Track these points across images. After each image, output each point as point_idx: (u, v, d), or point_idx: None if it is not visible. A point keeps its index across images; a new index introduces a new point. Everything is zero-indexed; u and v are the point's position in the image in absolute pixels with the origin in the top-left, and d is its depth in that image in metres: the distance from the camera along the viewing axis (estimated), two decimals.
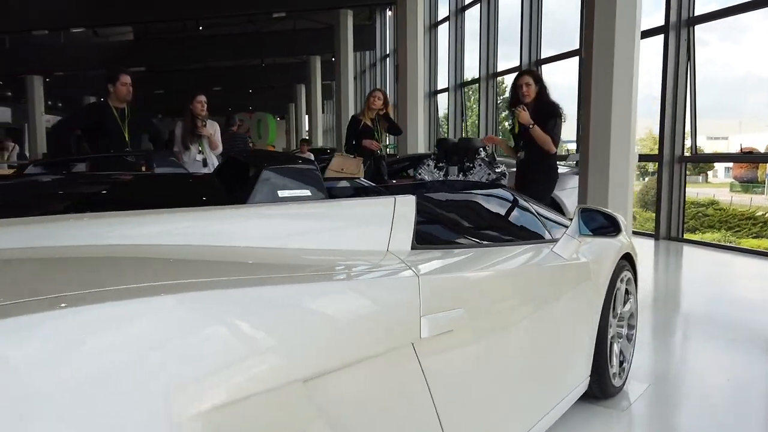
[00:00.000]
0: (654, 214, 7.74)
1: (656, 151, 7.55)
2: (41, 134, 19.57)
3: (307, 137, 14.15)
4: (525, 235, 2.17)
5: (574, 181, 5.98)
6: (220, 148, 5.91)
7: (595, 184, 5.26)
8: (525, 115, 4.20)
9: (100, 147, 4.63)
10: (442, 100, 14.42)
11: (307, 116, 23.42)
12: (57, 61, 18.03)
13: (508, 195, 2.31)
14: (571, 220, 2.34)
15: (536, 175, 4.29)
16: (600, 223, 2.30)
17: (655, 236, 7.50)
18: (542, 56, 10.07)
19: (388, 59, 18.32)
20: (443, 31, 13.96)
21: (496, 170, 5.00)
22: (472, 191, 2.22)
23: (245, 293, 0.96)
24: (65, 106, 25.77)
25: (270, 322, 0.97)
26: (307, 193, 1.42)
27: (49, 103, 23.24)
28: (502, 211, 2.24)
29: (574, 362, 2.20)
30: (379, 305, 1.23)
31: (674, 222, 7.41)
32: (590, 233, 2.25)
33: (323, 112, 23.34)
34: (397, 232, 1.51)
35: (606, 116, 5.06)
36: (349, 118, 6.12)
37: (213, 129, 5.74)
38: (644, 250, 6.78)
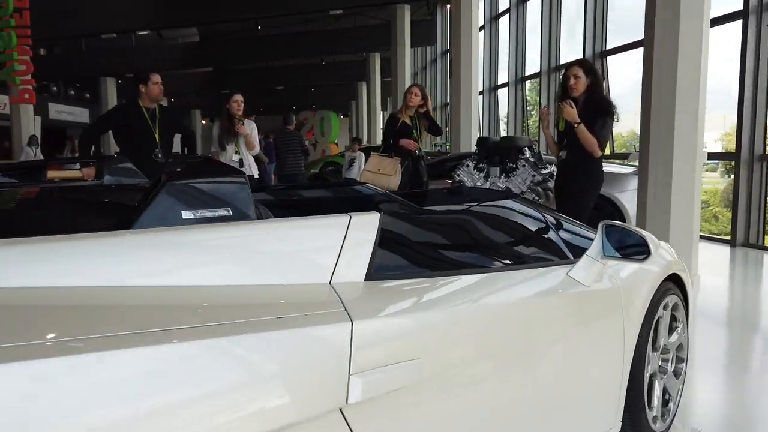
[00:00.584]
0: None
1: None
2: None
3: (357, 136, 13.94)
4: (532, 258, 1.82)
5: (636, 183, 5.45)
6: (257, 149, 5.78)
7: (656, 186, 4.73)
8: (571, 112, 3.79)
9: (131, 148, 4.58)
10: (503, 95, 13.89)
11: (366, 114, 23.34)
12: (128, 63, 18.74)
13: (518, 207, 1.96)
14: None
15: (578, 176, 3.88)
16: (629, 243, 1.92)
17: (731, 243, 6.79)
18: (607, 47, 9.42)
19: (448, 55, 17.89)
20: (504, 23, 13.42)
21: (542, 171, 4.58)
22: (472, 204, 1.88)
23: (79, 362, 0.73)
24: None
25: (126, 395, 0.75)
26: (224, 212, 1.15)
27: (123, 101, 24.24)
28: (506, 229, 1.89)
29: (596, 407, 1.84)
30: (293, 363, 0.95)
31: (753, 227, 6.69)
32: (617, 255, 1.87)
33: (384, 109, 23.16)
34: (347, 259, 1.22)
35: (669, 112, 4.52)
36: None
37: (250, 129, 5.62)
38: (717, 259, 6.13)
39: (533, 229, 1.93)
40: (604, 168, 4.03)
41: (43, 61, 20.67)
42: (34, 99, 10.09)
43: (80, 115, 22.99)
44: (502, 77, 13.98)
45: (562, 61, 10.83)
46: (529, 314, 1.56)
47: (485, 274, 1.53)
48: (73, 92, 22.85)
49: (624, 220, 5.77)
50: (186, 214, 1.08)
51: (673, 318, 2.32)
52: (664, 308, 2.19)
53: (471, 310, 1.37)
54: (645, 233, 2.01)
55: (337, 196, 2.35)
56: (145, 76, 4.61)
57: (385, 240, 1.33)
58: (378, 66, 19.75)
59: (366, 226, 1.31)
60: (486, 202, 1.93)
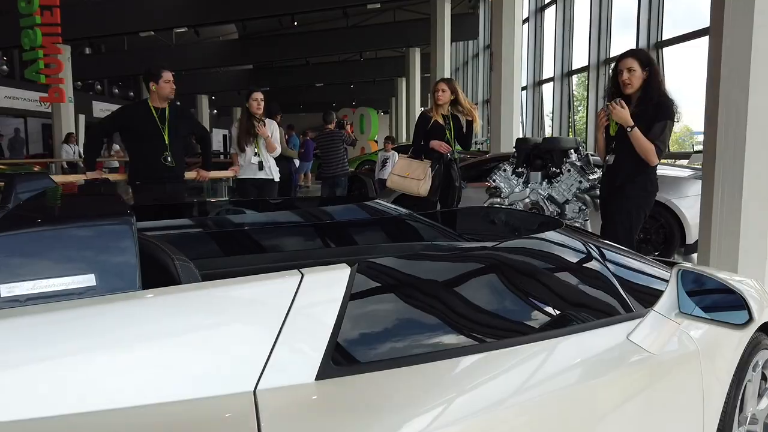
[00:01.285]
0: None
1: None
2: None
3: (390, 134, 13.47)
4: (579, 317, 1.33)
5: (698, 187, 4.82)
6: (279, 150, 5.42)
7: (723, 193, 4.12)
8: (622, 113, 3.26)
9: (138, 151, 4.27)
10: (547, 91, 13.20)
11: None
12: (167, 61, 18.78)
13: (562, 240, 1.49)
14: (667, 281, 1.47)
15: (627, 187, 3.34)
16: (715, 296, 1.42)
17: None
18: (663, 37, 8.67)
19: (490, 49, 17.24)
20: (550, 14, 12.72)
21: (591, 176, 4.04)
22: (499, 242, 1.38)
23: None
24: (180, 102, 27.14)
25: None
26: (79, 282, 0.72)
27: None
28: (539, 276, 1.41)
29: None
30: None
31: None
32: (700, 314, 1.37)
33: (424, 105, 22.62)
34: (291, 344, 0.80)
35: (741, 110, 3.91)
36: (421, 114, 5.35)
37: (271, 129, 5.26)
38: None
39: (581, 274, 1.45)
40: (658, 171, 3.48)
41: (88, 59, 21.02)
42: (64, 98, 10.04)
43: None
44: (547, 72, 13.28)
45: (614, 53, 10.11)
46: (576, 398, 1.09)
47: (507, 349, 1.07)
48: (117, 90, 23.21)
49: (683, 232, 5.16)
50: (5, 290, 0.67)
51: (763, 377, 1.80)
52: (754, 369, 1.68)
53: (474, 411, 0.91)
54: (744, 288, 1.48)
55: (333, 221, 1.92)
56: (156, 73, 4.28)
57: (357, 311, 0.89)
58: (418, 61, 19.24)
59: (327, 288, 0.87)
60: (521, 231, 1.46)
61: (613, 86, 3.47)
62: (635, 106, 3.36)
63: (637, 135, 3.27)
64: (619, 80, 3.37)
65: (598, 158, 3.95)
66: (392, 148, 9.76)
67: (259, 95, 5.19)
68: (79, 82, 20.79)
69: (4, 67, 16.95)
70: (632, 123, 3.25)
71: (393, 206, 2.12)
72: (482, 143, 14.49)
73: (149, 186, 4.21)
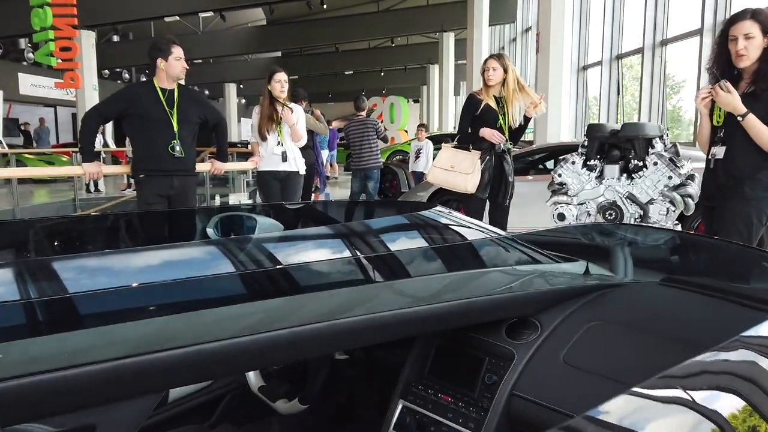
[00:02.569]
0: None
1: None
2: None
3: (422, 122, 12.74)
4: None
5: None
6: (304, 140, 4.78)
7: None
8: (729, 99, 2.54)
9: (143, 139, 3.68)
10: (593, 76, 12.29)
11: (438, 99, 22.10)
12: (196, 49, 18.38)
13: None
14: None
15: (744, 185, 2.62)
16: None
17: None
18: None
19: (529, 32, 16.32)
20: None
21: (681, 171, 3.31)
22: None
23: None
24: (209, 91, 26.87)
25: None
26: None
27: (195, 87, 24.20)
28: None
29: None
30: None
31: None
32: None
33: (457, 94, 21.80)
34: None
35: None
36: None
37: (296, 116, 4.62)
38: None
39: None
40: None
41: (115, 47, 20.76)
42: (80, 83, 9.57)
43: None
44: (593, 56, 12.37)
45: (671, 34, 9.20)
46: None
47: None
48: (144, 78, 22.90)
49: None
50: None
51: None
52: None
53: None
54: None
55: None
56: (165, 48, 3.67)
57: None
58: (452, 47, 18.42)
59: None
60: None
61: (721, 61, 2.73)
62: (751, 82, 2.63)
63: (753, 123, 2.54)
64: (733, 52, 2.63)
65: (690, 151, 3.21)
66: (426, 137, 9.03)
67: (282, 76, 4.56)
68: (107, 71, 20.54)
69: (30, 54, 16.71)
70: (744, 109, 2.52)
71: (469, 219, 1.45)
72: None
73: (155, 180, 3.63)
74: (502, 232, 1.44)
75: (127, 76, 22.27)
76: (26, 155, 13.54)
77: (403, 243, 1.37)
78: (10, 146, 15.12)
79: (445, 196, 6.13)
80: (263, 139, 4.58)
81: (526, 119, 4.15)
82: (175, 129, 3.64)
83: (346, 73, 25.79)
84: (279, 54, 24.41)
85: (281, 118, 4.56)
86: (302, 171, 4.79)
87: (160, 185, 3.62)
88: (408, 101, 23.83)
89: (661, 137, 3.51)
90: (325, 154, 13.76)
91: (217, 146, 4.15)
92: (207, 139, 4.46)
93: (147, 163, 3.64)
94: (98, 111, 3.62)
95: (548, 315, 1.18)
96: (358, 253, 1.18)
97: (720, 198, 2.73)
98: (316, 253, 1.17)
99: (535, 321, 1.17)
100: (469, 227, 1.47)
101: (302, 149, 6.39)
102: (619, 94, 10.72)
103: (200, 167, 4.09)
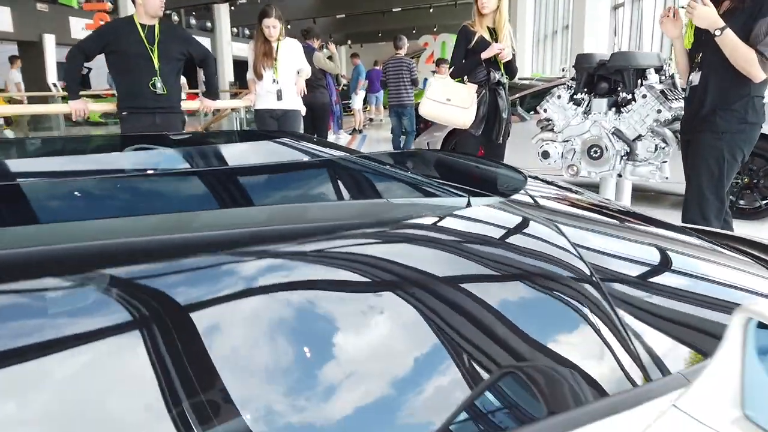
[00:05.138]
0: None
1: None
2: (228, 64, 20.46)
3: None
4: None
5: None
6: (308, 72, 4.73)
7: None
8: (705, 13, 2.29)
9: (125, 76, 3.71)
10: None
11: None
12: None
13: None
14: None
15: (717, 115, 2.39)
16: None
17: None
18: None
19: None
20: None
21: (674, 104, 3.04)
22: None
23: None
24: (252, 33, 26.81)
25: None
26: None
27: (234, 30, 24.21)
28: None
29: None
30: None
31: None
32: None
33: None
34: None
35: None
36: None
37: (293, 52, 4.55)
38: None
39: None
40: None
41: None
42: None
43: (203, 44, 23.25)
44: None
45: None
46: None
47: None
48: (194, 21, 23.01)
49: None
50: None
51: None
52: None
53: None
54: None
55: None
56: None
57: None
58: None
59: None
60: None
61: None
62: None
63: (729, 39, 2.30)
64: None
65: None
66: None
67: (272, 21, 4.41)
68: None
69: None
70: (722, 23, 2.27)
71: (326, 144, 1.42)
72: (564, 73, 12.97)
73: (137, 117, 3.68)
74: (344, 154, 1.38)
75: (176, 18, 22.41)
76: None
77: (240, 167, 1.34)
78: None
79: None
80: (259, 77, 4.53)
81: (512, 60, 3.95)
82: (156, 66, 3.65)
83: (394, 10, 25.01)
84: None
85: (276, 56, 4.49)
86: (300, 109, 4.73)
87: (143, 122, 3.67)
88: None
89: (660, 68, 3.23)
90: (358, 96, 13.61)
91: (206, 83, 4.14)
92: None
93: (129, 101, 3.69)
94: (80, 48, 3.67)
95: None
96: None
97: (694, 130, 2.51)
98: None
99: None
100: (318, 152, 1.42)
101: (314, 88, 6.34)
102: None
103: (189, 105, 4.11)
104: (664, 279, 0.87)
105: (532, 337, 0.65)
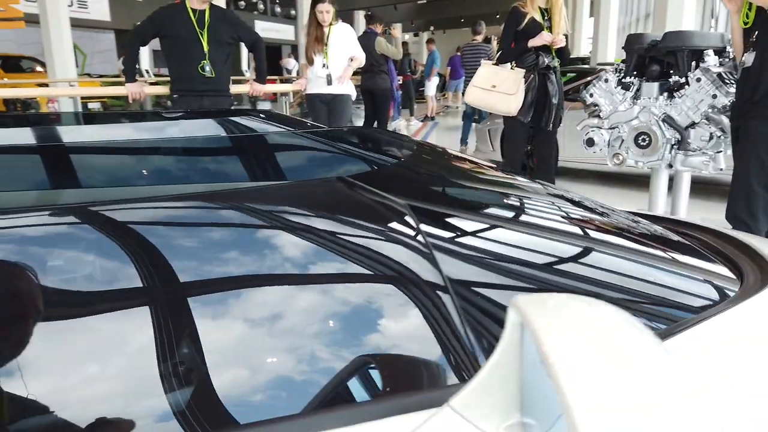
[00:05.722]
0: None
1: None
2: None
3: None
4: None
5: None
6: (362, 60, 4.72)
7: None
8: None
9: (176, 60, 3.86)
10: None
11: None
12: None
13: None
14: None
15: (764, 104, 2.15)
16: None
17: None
18: None
19: None
20: None
21: (730, 89, 2.77)
22: None
23: None
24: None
25: None
26: None
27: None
28: None
29: None
30: None
31: None
32: None
33: (591, 15, 19.82)
34: None
35: None
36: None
37: (345, 37, 4.55)
38: None
39: None
40: None
41: None
42: None
43: (286, 32, 23.77)
44: None
45: None
46: None
47: None
48: (279, 9, 23.59)
49: None
50: None
51: None
52: None
53: None
54: None
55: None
56: None
57: None
58: None
59: None
60: None
61: None
62: None
63: None
64: None
65: None
66: None
67: (325, 7, 4.44)
68: (242, 2, 21.45)
69: None
70: None
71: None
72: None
73: (187, 100, 3.82)
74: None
75: (262, 6, 23.08)
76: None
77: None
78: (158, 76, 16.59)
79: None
80: (310, 62, 4.58)
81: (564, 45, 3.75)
82: (206, 49, 3.76)
83: None
84: None
85: (327, 41, 4.51)
86: (352, 93, 4.73)
87: (191, 105, 3.80)
88: None
89: (723, 50, 2.96)
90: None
91: (257, 68, 4.23)
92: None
93: (180, 84, 3.83)
94: (136, 34, 3.85)
95: None
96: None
97: (743, 117, 2.28)
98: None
99: None
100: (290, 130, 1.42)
101: (376, 74, 6.33)
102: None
103: (240, 89, 4.21)
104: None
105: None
